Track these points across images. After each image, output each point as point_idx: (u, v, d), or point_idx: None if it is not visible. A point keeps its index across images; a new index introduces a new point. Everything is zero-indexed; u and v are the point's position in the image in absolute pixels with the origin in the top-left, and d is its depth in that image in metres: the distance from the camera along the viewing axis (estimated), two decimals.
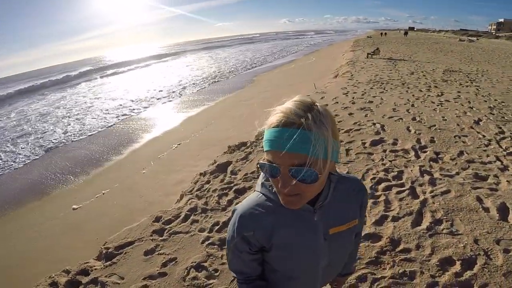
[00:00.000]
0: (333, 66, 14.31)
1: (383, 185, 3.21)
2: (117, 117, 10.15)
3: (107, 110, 11.52)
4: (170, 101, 11.72)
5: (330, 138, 0.67)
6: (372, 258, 2.19)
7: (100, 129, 9.00)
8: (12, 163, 7.42)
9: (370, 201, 2.91)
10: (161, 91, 13.92)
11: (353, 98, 7.09)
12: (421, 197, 2.88)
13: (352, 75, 10.35)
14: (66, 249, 3.63)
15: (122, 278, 2.44)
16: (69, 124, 10.21)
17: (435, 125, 4.91)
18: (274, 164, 0.68)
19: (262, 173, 0.86)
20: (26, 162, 7.29)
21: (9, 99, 21.55)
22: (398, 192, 3.03)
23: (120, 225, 3.44)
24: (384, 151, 4.07)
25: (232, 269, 0.98)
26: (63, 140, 8.51)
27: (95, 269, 2.65)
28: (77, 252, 3.34)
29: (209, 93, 12.34)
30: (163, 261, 2.53)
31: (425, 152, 3.95)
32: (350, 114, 5.87)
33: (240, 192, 3.53)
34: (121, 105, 12.06)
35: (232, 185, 3.68)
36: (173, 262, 2.51)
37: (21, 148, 8.55)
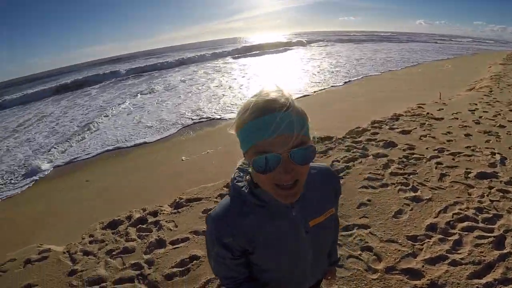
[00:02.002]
0: (471, 77, 11.94)
1: (465, 224, 2.70)
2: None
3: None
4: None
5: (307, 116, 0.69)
6: None
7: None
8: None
9: (435, 237, 2.53)
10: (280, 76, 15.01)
11: (480, 117, 5.87)
12: (506, 250, 2.32)
13: (491, 91, 8.45)
14: (159, 191, 4.45)
15: (176, 227, 2.92)
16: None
17: None
18: (273, 153, 0.63)
19: (233, 175, 0.86)
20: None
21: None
22: (480, 237, 2.50)
23: (206, 182, 3.98)
24: (490, 188, 3.33)
25: (218, 276, 0.94)
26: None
27: (163, 213, 3.22)
28: (164, 197, 4.04)
29: (325, 84, 12.33)
30: None
31: None
32: (467, 135, 4.93)
33: None
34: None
35: None
36: None
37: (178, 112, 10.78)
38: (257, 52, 34.06)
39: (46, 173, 6.55)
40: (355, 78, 13.10)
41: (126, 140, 7.70)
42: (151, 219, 3.15)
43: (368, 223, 2.74)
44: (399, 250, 2.37)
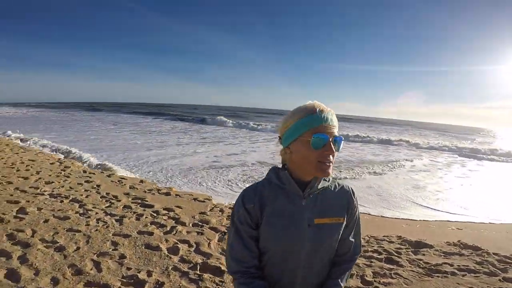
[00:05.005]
0: None
1: None
2: None
3: None
4: None
5: None
6: None
7: None
8: None
9: None
10: None
11: None
12: None
13: None
14: None
15: None
16: None
17: None
18: (325, 135, 0.88)
19: (270, 170, 1.04)
20: None
21: None
22: None
23: None
24: None
25: (233, 257, 0.99)
26: None
27: None
28: None
29: None
30: None
31: None
32: None
33: None
34: None
35: None
36: None
37: None
38: None
39: None
40: None
41: None
42: None
43: None
44: None
